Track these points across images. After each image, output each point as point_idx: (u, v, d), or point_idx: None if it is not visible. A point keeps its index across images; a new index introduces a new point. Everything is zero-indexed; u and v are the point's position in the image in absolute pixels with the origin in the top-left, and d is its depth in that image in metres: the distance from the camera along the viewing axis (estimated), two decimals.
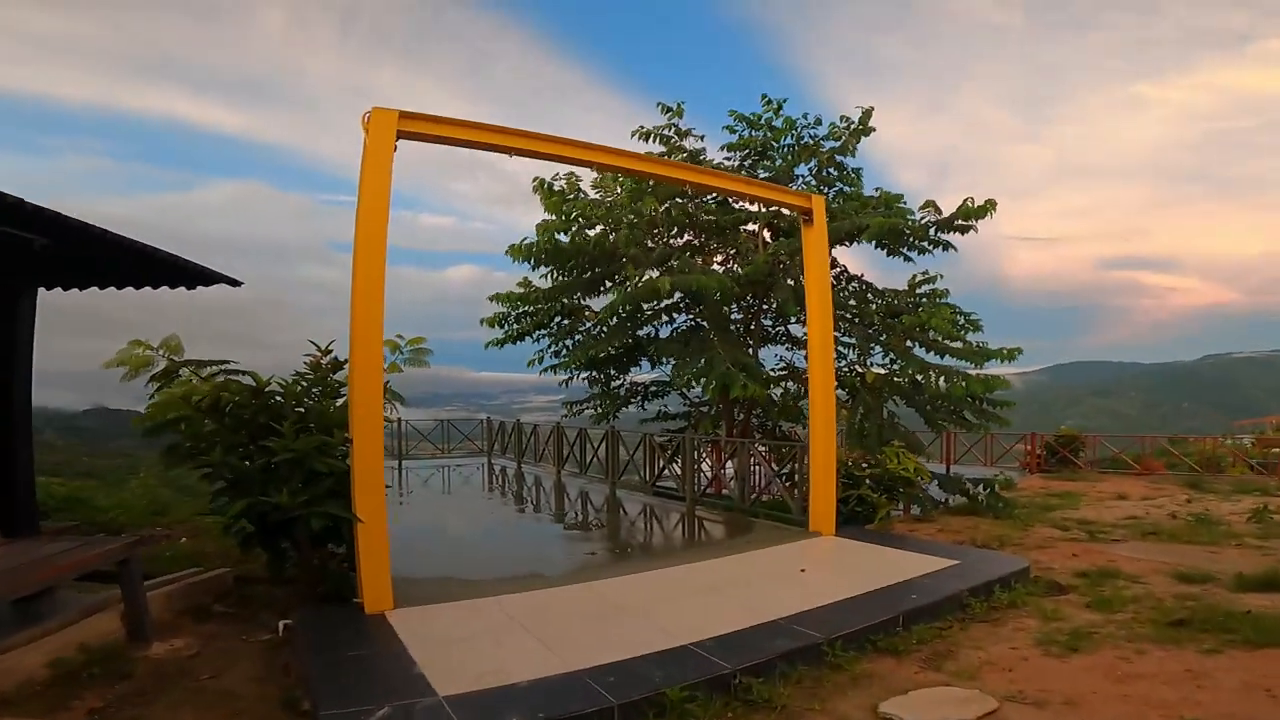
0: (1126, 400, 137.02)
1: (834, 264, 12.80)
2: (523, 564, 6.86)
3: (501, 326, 12.18)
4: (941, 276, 12.78)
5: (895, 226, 10.46)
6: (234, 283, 6.12)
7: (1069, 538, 8.75)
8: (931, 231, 11.11)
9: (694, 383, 10.38)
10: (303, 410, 5.44)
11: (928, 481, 9.61)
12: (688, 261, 10.81)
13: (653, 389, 13.72)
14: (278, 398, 5.47)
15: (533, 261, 10.85)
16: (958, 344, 10.89)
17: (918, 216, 11.33)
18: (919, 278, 12.78)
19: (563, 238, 11.26)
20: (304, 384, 5.67)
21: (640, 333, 12.37)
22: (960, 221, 10.79)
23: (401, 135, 5.42)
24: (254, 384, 5.36)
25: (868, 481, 8.48)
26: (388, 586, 5.04)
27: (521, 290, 11.72)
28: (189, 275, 5.82)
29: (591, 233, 11.57)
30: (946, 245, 11.29)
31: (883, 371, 11.71)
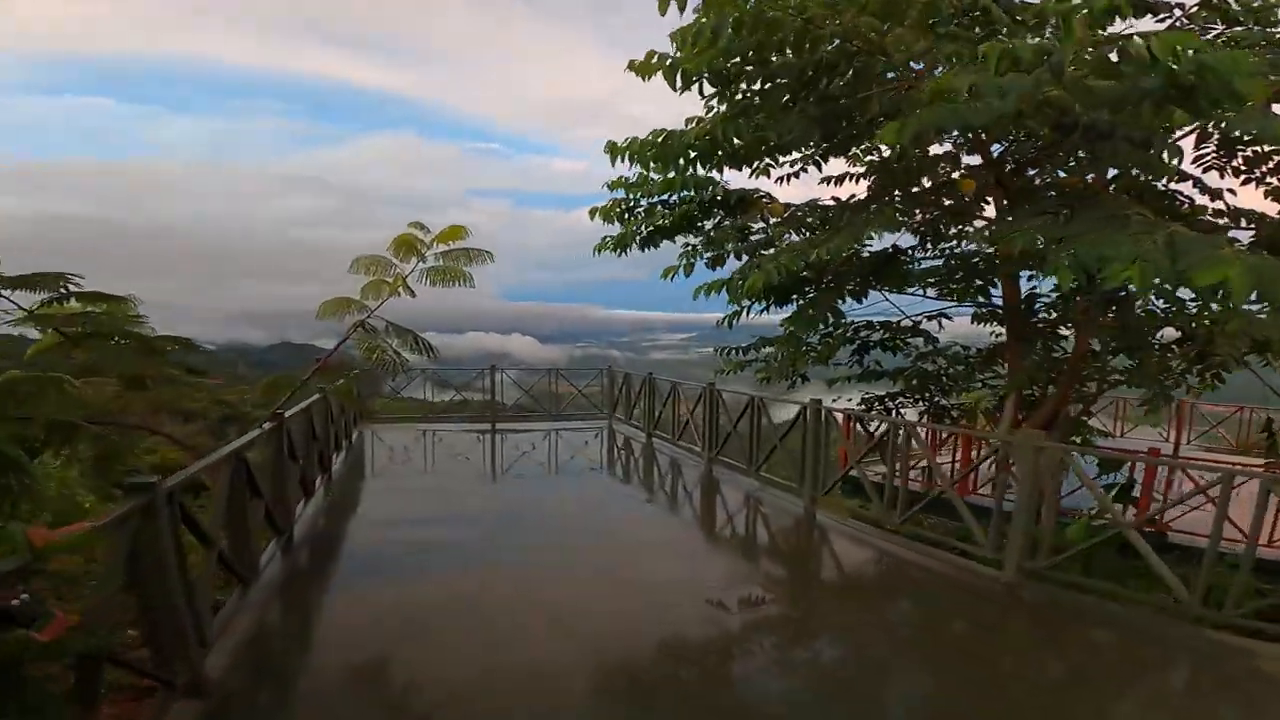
0: None
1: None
2: None
3: (621, 221, 7.08)
4: None
5: None
6: None
7: None
8: None
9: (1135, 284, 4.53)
10: None
11: None
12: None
13: (872, 337, 8.25)
14: None
15: (702, 68, 5.07)
16: None
17: None
18: None
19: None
20: None
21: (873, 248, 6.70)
22: None
23: None
24: None
25: None
26: None
27: (657, 139, 5.83)
28: None
29: None
30: None
31: None
